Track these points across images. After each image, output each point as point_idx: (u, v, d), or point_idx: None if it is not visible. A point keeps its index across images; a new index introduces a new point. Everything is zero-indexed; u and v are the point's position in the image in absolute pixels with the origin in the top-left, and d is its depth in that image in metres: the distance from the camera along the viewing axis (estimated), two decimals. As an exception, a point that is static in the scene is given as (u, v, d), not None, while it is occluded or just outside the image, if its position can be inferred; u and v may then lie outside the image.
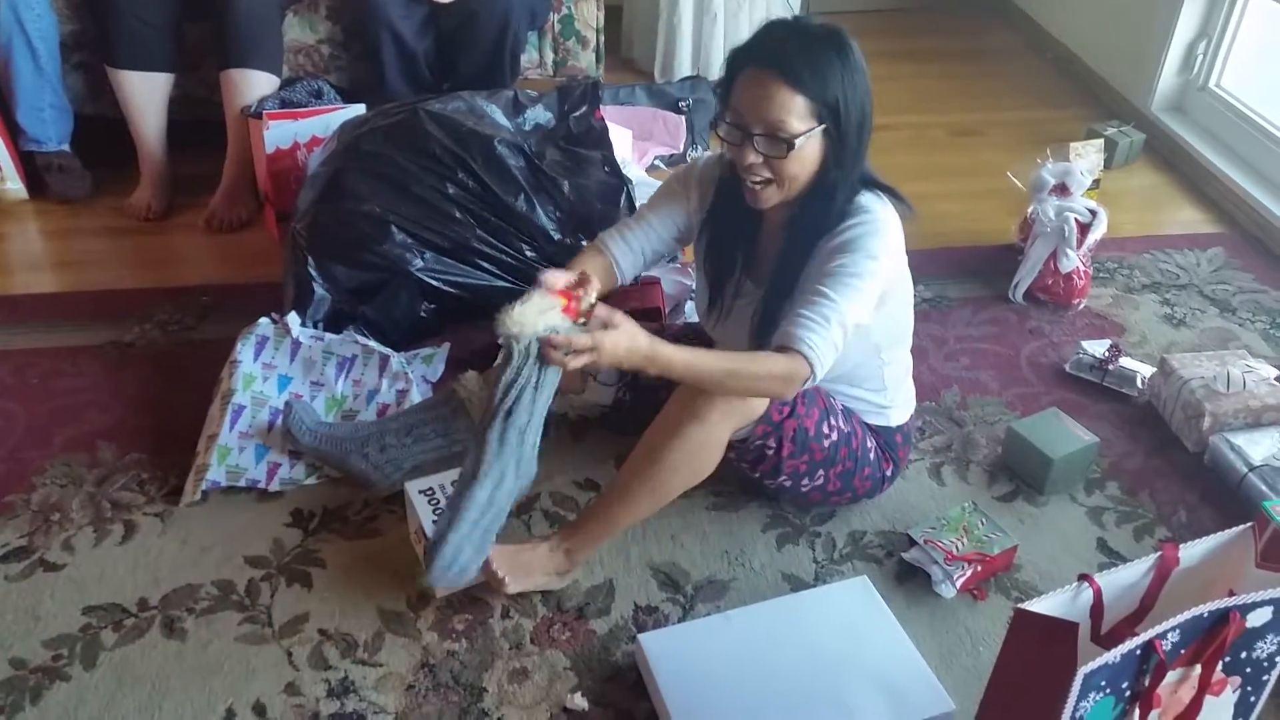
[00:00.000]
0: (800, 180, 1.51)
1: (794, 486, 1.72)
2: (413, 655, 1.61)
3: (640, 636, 1.56)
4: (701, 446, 1.56)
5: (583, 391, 1.90)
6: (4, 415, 2.08)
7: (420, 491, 1.73)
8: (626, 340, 1.40)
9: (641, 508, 1.62)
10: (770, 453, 1.65)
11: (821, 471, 1.70)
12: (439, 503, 1.71)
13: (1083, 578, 1.30)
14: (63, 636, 1.63)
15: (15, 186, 2.78)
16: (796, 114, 1.44)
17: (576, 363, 1.40)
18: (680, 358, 1.44)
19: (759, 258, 1.68)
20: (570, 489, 1.91)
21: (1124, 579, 1.34)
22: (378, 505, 1.87)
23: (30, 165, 2.77)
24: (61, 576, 1.73)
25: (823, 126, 1.46)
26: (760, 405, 1.58)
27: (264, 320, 2.02)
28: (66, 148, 2.76)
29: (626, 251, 1.72)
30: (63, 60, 2.70)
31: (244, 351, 1.99)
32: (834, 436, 1.66)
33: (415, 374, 2.10)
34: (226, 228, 2.72)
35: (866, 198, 1.56)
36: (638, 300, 2.27)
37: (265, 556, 1.77)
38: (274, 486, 1.90)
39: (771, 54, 1.44)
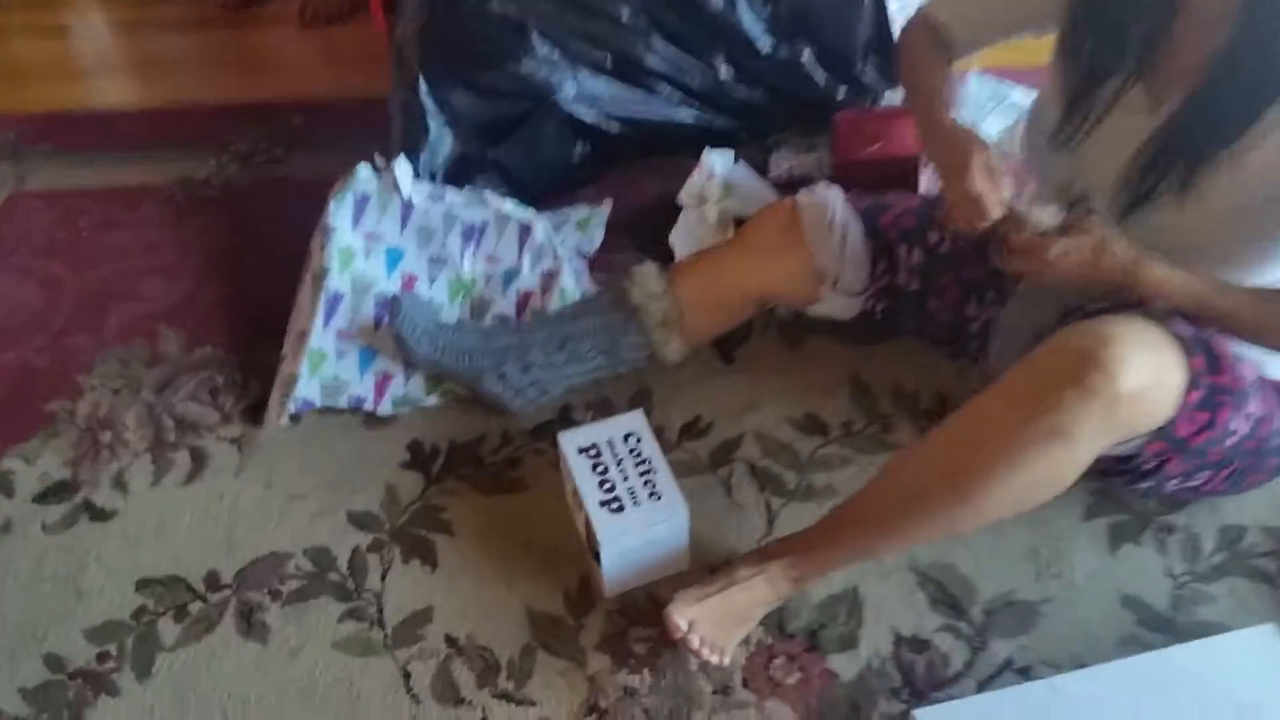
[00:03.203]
0: None
1: (1159, 487, 1.12)
2: (575, 690, 1.13)
3: (918, 714, 1.04)
4: (1055, 474, 0.96)
5: (815, 301, 1.31)
6: (49, 283, 1.62)
7: (581, 450, 1.19)
8: (1094, 244, 0.99)
9: (922, 538, 1.06)
10: (1150, 467, 1.05)
11: (1207, 473, 1.09)
12: (606, 471, 1.17)
13: None
14: (110, 625, 1.21)
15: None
16: None
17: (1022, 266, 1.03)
18: (1181, 280, 0.99)
19: (1169, 54, 1.01)
20: (784, 431, 1.35)
21: None
22: (522, 441, 1.36)
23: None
24: (111, 531, 1.30)
25: None
26: (1165, 408, 0.96)
27: (363, 170, 1.45)
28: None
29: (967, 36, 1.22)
30: None
31: (339, 214, 1.43)
32: (1241, 432, 1.03)
33: (566, 246, 1.53)
34: (324, 18, 2.17)
35: None
36: (872, 140, 1.61)
37: (375, 515, 1.30)
38: (384, 409, 1.40)
39: None
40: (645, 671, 1.14)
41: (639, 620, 1.18)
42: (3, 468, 1.36)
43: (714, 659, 1.08)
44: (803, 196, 1.28)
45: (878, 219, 1.28)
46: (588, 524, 1.15)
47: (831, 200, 1.27)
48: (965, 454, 0.98)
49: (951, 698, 1.11)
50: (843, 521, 1.08)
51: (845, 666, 1.14)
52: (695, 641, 1.07)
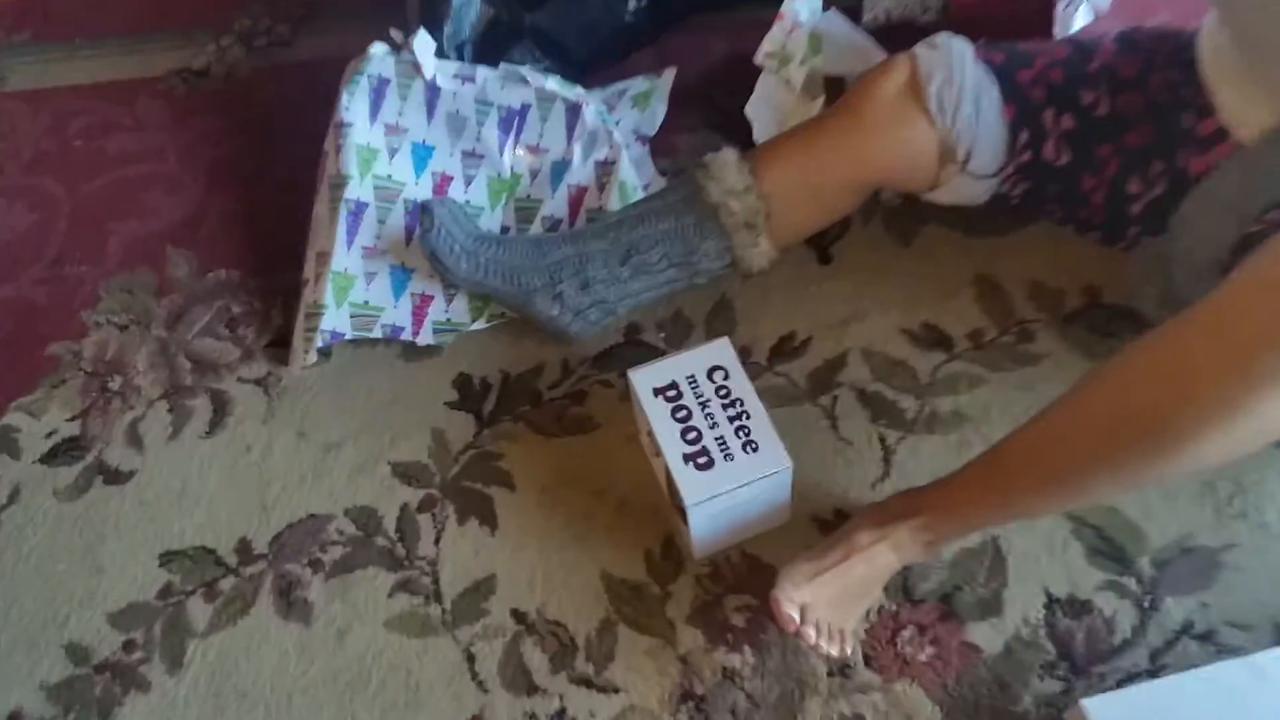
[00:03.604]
0: None
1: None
2: (665, 674, 0.97)
3: (1087, 705, 0.85)
4: (1257, 429, 0.72)
5: (938, 186, 1.05)
6: (42, 200, 1.43)
7: (657, 391, 0.99)
8: None
9: (1100, 495, 0.84)
10: None
11: None
12: (689, 416, 0.97)
13: None
14: (135, 608, 1.07)
15: None
16: None
17: None
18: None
19: None
20: (898, 345, 1.12)
21: None
22: (585, 371, 1.16)
23: None
24: (128, 495, 1.14)
25: None
26: None
27: (378, 49, 1.21)
28: None
29: None
30: None
31: (353, 106, 1.20)
32: None
33: (623, 129, 1.28)
34: None
35: None
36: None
37: (423, 465, 1.12)
38: (424, 337, 1.21)
39: None
40: (746, 649, 0.97)
41: (736, 586, 1.00)
42: (6, 424, 1.21)
43: (834, 650, 0.90)
44: (922, 50, 1.02)
45: (1016, 75, 1.01)
46: (669, 476, 0.95)
47: (958, 54, 1.00)
48: (1168, 394, 0.74)
49: (1118, 672, 0.92)
50: (995, 472, 0.85)
51: (988, 638, 0.95)
52: (812, 634, 0.89)
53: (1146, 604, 0.95)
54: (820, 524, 1.03)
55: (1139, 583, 0.96)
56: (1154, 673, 0.92)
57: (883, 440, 1.06)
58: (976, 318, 1.13)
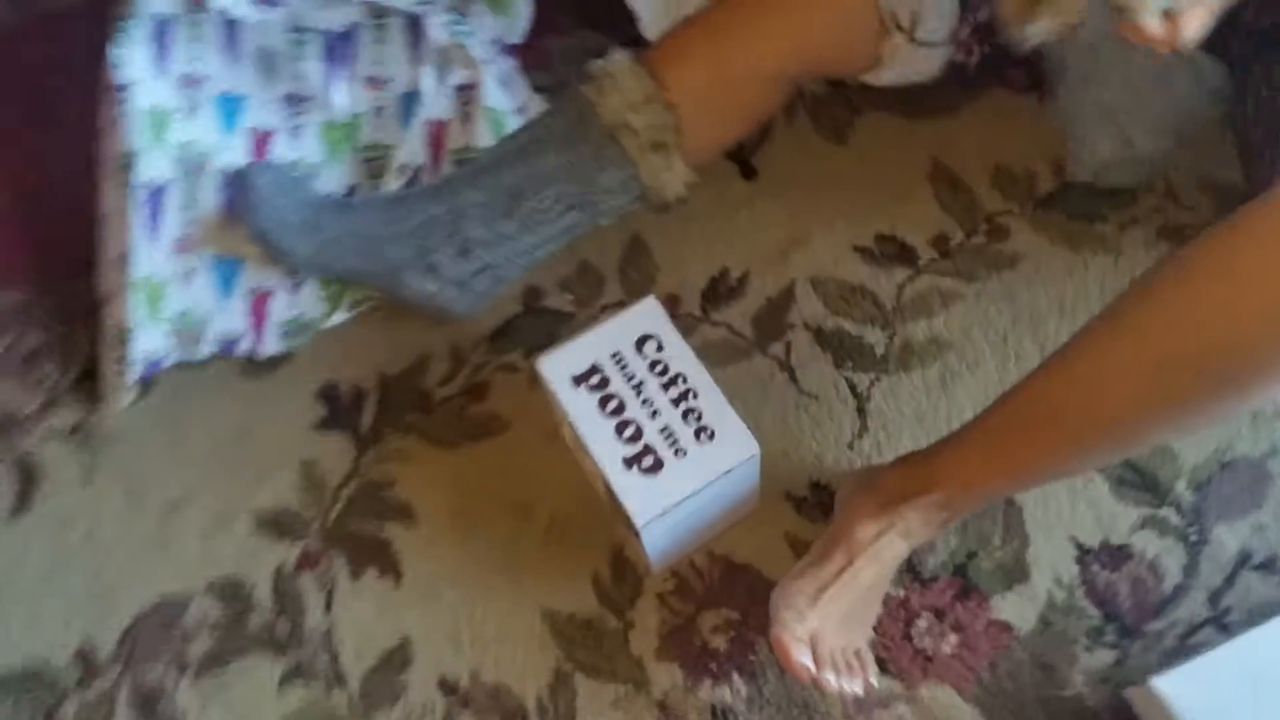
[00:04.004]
0: None
1: None
2: (644, 725, 0.78)
3: (1158, 684, 0.69)
4: None
5: (879, 65, 0.84)
6: None
7: (577, 380, 0.77)
8: None
9: (1142, 447, 0.67)
10: None
11: None
12: (621, 408, 0.76)
13: None
14: (-47, 760, 0.83)
15: None
16: None
17: None
18: None
19: None
20: (851, 267, 0.93)
21: None
22: (481, 356, 0.94)
23: None
24: (-79, 611, 0.89)
25: None
26: None
27: (144, -17, 0.92)
28: None
29: None
30: None
31: (130, 59, 0.91)
32: None
33: (480, 41, 1.03)
34: None
35: None
36: None
37: (294, 512, 0.89)
38: (270, 345, 0.96)
39: None
40: (735, 677, 0.79)
41: (709, 599, 0.82)
42: None
43: (857, 687, 0.72)
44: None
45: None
46: (608, 487, 0.75)
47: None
48: (1253, 311, 0.56)
49: (1177, 625, 0.77)
50: (1028, 427, 0.65)
51: (1019, 611, 0.79)
52: (832, 680, 0.70)
53: (1193, 537, 0.80)
54: (795, 502, 0.84)
55: (1179, 513, 0.80)
56: (1219, 620, 0.77)
57: (853, 387, 0.88)
58: (938, 219, 0.94)
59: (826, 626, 0.70)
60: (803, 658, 0.68)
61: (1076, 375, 0.63)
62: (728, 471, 0.73)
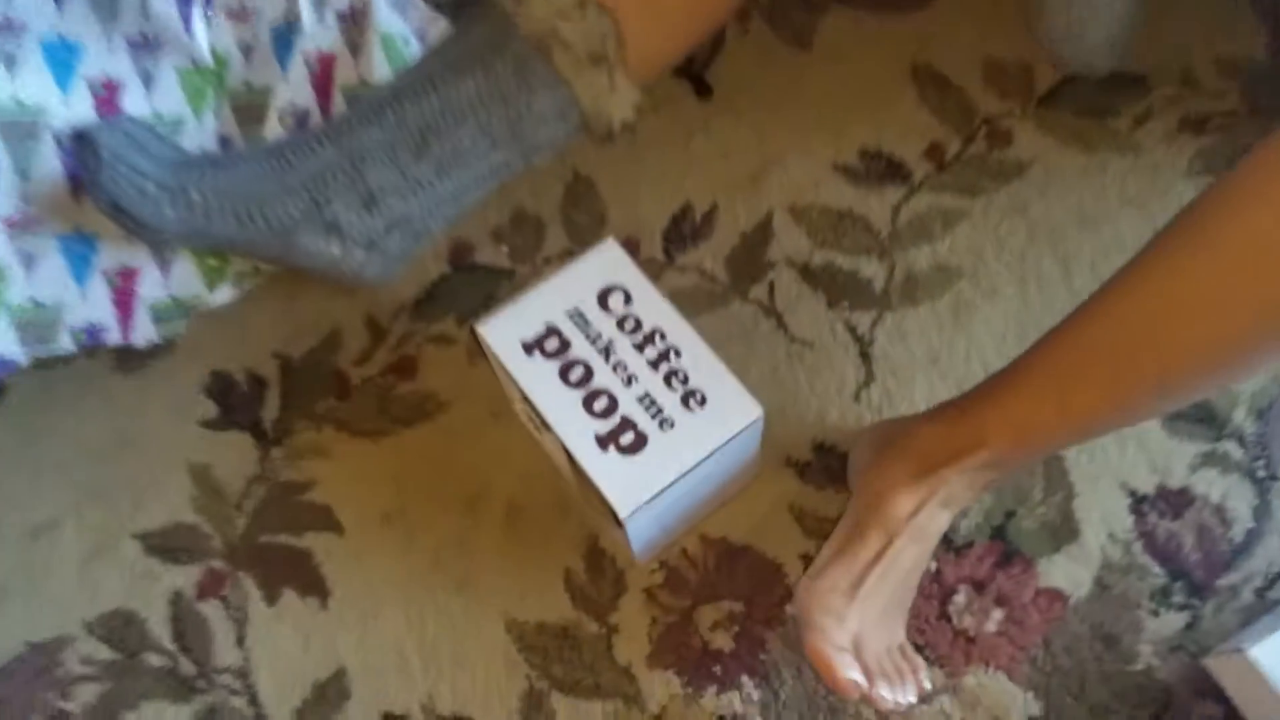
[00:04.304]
0: None
1: None
2: (643, 755, 0.65)
3: (1256, 654, 0.58)
4: None
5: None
6: None
7: (530, 348, 0.62)
8: None
9: (1238, 380, 0.55)
10: None
11: None
12: (588, 376, 0.61)
13: None
14: None
15: None
16: None
17: None
18: None
19: None
20: (834, 191, 0.79)
21: None
22: (405, 326, 0.78)
23: None
24: None
25: None
26: None
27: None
28: None
29: None
30: None
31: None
32: None
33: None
34: None
35: None
36: None
37: (189, 527, 0.73)
38: (143, 333, 0.79)
39: None
40: (744, 680, 0.66)
41: (706, 590, 0.68)
42: None
43: (911, 696, 0.59)
44: None
45: None
46: (578, 468, 0.61)
47: None
48: None
49: (1254, 577, 0.66)
50: (1101, 357, 0.52)
51: (1070, 575, 0.67)
52: (886, 694, 0.57)
53: (1260, 472, 0.69)
54: (797, 468, 0.71)
55: (1242, 446, 0.69)
56: (1299, 566, 0.66)
57: (852, 329, 0.75)
58: (928, 127, 0.80)
59: (867, 626, 0.57)
60: (851, 673, 0.55)
61: (1180, 293, 0.49)
62: (727, 442, 0.59)
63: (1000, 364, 0.57)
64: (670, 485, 0.58)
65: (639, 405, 0.60)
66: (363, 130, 0.73)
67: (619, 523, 0.60)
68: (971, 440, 0.57)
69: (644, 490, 0.58)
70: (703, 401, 0.60)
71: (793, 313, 0.75)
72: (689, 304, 0.74)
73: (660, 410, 0.60)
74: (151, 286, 0.79)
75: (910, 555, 0.58)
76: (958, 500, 0.59)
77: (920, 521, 0.57)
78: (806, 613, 0.57)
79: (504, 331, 0.62)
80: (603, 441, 0.59)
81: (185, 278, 0.79)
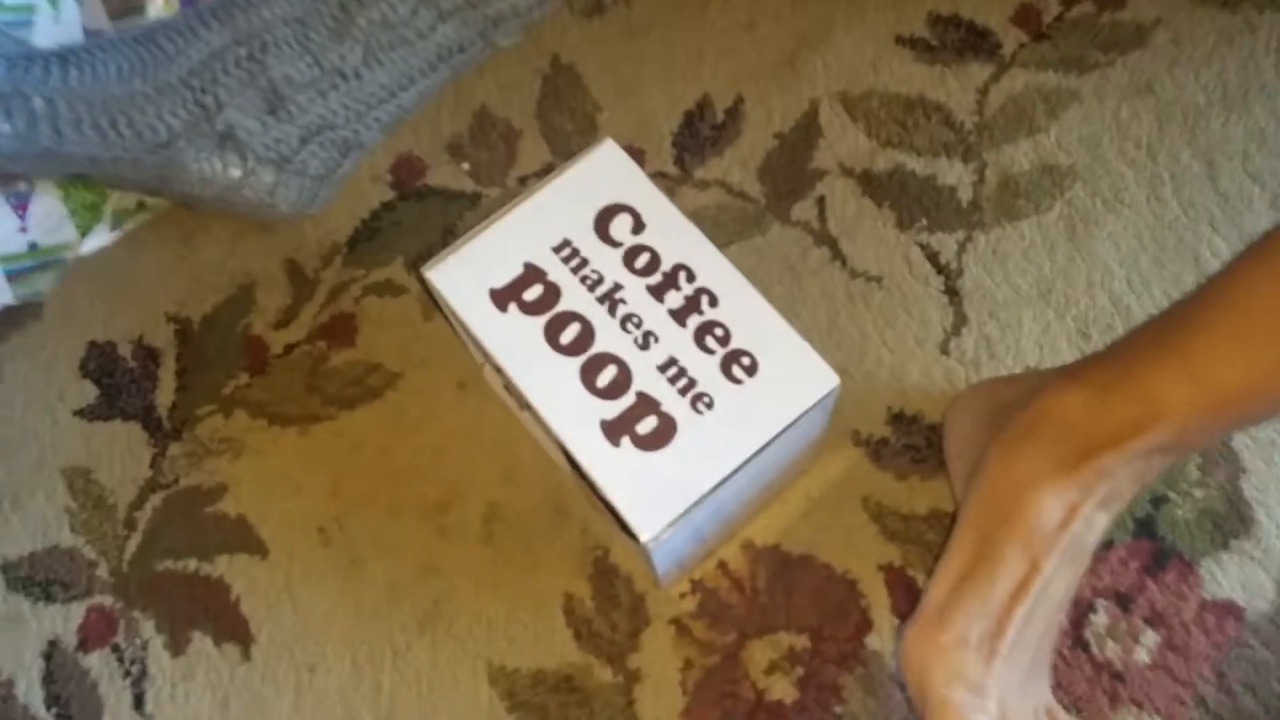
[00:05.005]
0: None
1: None
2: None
3: None
4: None
5: None
6: None
7: (501, 299, 0.44)
8: None
9: None
10: None
11: None
12: (588, 338, 0.43)
13: None
14: None
15: None
16: None
17: None
18: None
19: None
20: (894, 70, 0.60)
21: None
22: (336, 269, 0.59)
23: None
24: None
25: None
26: None
27: None
28: None
29: None
30: None
31: None
32: None
33: None
34: None
35: None
36: None
37: (65, 550, 0.55)
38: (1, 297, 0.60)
39: None
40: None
41: (758, 616, 0.51)
42: None
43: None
44: None
45: None
46: (584, 474, 0.43)
47: None
48: None
49: None
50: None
51: (1245, 579, 0.49)
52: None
53: None
54: (871, 448, 0.53)
55: None
56: None
57: (933, 257, 0.56)
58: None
59: (1011, 692, 0.39)
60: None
61: None
62: (789, 426, 0.41)
63: (1134, 294, 0.39)
64: (708, 494, 0.40)
65: (661, 377, 0.42)
66: (264, 4, 0.53)
67: (633, 536, 0.42)
68: (1142, 410, 0.39)
69: (674, 502, 0.40)
70: (752, 369, 0.42)
71: (851, 238, 0.57)
72: (713, 231, 0.55)
73: (692, 383, 0.41)
74: (6, 236, 0.60)
75: (1062, 583, 0.40)
76: (1120, 498, 0.41)
77: (1076, 532, 0.40)
78: (927, 684, 0.39)
79: (465, 277, 0.44)
80: (612, 431, 0.41)
81: (46, 218, 0.60)
